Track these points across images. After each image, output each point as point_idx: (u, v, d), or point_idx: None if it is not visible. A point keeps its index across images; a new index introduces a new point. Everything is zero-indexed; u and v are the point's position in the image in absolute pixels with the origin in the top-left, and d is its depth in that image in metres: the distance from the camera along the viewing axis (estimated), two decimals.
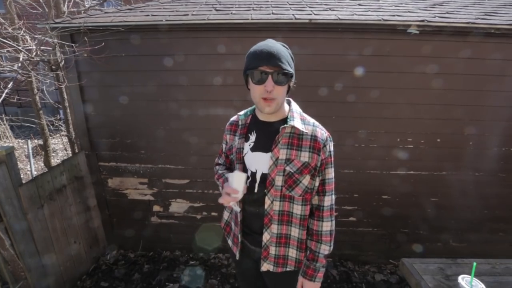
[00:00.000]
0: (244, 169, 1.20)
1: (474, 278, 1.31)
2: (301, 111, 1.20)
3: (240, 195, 1.13)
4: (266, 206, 1.16)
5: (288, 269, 1.22)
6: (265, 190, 1.15)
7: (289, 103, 1.20)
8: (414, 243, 2.63)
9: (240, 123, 1.24)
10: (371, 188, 2.54)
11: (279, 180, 1.12)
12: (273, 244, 1.19)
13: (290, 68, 1.03)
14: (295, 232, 1.18)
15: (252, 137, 1.18)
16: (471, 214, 2.55)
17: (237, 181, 1.12)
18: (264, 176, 1.15)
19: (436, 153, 2.42)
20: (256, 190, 1.18)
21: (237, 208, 1.21)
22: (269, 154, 1.12)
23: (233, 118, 1.31)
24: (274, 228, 1.17)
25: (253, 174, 1.18)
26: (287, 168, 1.10)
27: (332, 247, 1.19)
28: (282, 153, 1.11)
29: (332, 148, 1.15)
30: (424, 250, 2.61)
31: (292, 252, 1.20)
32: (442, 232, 2.61)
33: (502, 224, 2.57)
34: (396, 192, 2.54)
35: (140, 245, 2.86)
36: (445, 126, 2.36)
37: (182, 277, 2.53)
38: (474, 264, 1.32)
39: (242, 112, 1.27)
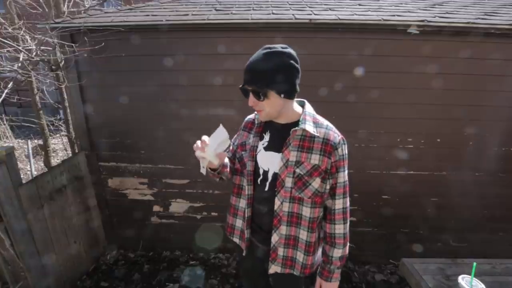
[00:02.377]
0: (256, 167, 1.22)
1: (474, 278, 1.31)
2: (315, 113, 1.19)
3: (207, 155, 1.05)
4: (276, 207, 1.17)
5: (294, 273, 1.23)
6: (275, 191, 1.16)
7: (303, 105, 1.20)
8: (414, 243, 2.63)
9: (256, 121, 1.25)
10: (371, 188, 2.54)
11: (289, 182, 1.13)
12: (282, 245, 1.20)
13: (271, 85, 1.01)
14: (303, 235, 1.18)
15: (266, 137, 1.21)
16: (471, 214, 2.54)
17: (216, 135, 1.07)
18: (275, 176, 1.17)
19: (436, 153, 2.42)
20: (266, 189, 1.20)
21: (202, 169, 1.12)
22: (280, 154, 1.14)
23: (251, 116, 1.33)
24: (283, 229, 1.18)
25: (265, 173, 1.20)
26: (297, 170, 1.11)
27: (347, 249, 1.21)
28: (293, 155, 1.11)
29: (345, 152, 1.14)
30: (424, 250, 2.61)
31: (300, 256, 1.21)
32: (442, 232, 2.61)
33: (502, 224, 2.57)
34: (396, 192, 2.54)
35: (140, 245, 2.86)
36: (445, 126, 2.36)
37: (182, 277, 2.52)
38: (474, 264, 1.32)
39: None
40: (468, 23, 2.08)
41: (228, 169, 1.27)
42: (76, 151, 3.38)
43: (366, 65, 2.23)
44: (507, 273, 1.49)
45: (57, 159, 5.46)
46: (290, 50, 1.05)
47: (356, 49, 2.21)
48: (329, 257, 1.20)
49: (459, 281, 1.33)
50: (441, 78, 2.23)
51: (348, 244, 1.21)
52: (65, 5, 3.56)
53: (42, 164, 4.79)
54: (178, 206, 2.73)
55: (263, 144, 1.20)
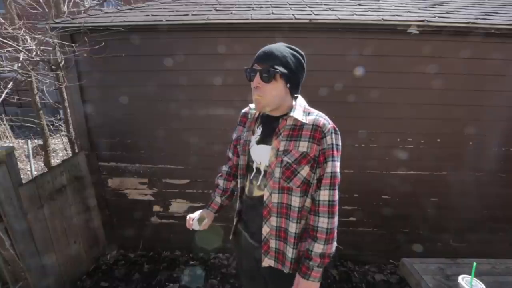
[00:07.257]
0: (249, 161, 1.24)
1: (474, 278, 1.31)
2: (306, 104, 1.20)
3: (195, 226, 1.35)
4: (265, 198, 1.17)
5: (284, 270, 1.21)
6: (265, 182, 1.17)
7: (296, 98, 1.19)
8: (414, 243, 2.63)
9: (249, 116, 1.29)
10: (371, 188, 2.54)
11: (277, 172, 1.13)
12: (273, 237, 1.19)
13: (282, 67, 1.05)
14: (292, 227, 1.16)
15: (258, 130, 1.22)
16: (471, 214, 2.54)
17: (197, 222, 1.35)
18: (267, 168, 1.18)
19: (436, 153, 2.42)
20: (259, 183, 1.20)
21: (196, 227, 1.36)
22: (271, 146, 1.15)
23: (245, 109, 1.35)
24: (273, 220, 1.17)
25: (258, 167, 1.21)
26: (285, 159, 1.10)
27: (330, 248, 1.12)
28: (282, 145, 1.12)
29: (335, 141, 1.11)
30: (424, 250, 2.61)
31: (289, 251, 1.18)
32: (442, 232, 2.61)
33: (502, 224, 2.57)
34: (396, 192, 2.54)
35: (140, 245, 2.86)
36: (445, 126, 2.36)
37: (182, 277, 2.52)
38: (474, 264, 1.32)
39: (253, 105, 1.27)
40: (468, 23, 2.08)
41: (220, 205, 1.44)
42: (76, 151, 3.38)
43: (366, 65, 2.23)
44: (507, 273, 1.48)
45: (57, 159, 5.45)
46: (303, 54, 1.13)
47: (356, 49, 2.21)
48: (309, 252, 1.12)
49: (459, 281, 1.32)
50: (441, 78, 2.23)
51: (333, 242, 1.12)
52: (65, 5, 3.55)
53: (42, 164, 4.78)
54: (178, 206, 2.72)
55: (255, 138, 1.22)
